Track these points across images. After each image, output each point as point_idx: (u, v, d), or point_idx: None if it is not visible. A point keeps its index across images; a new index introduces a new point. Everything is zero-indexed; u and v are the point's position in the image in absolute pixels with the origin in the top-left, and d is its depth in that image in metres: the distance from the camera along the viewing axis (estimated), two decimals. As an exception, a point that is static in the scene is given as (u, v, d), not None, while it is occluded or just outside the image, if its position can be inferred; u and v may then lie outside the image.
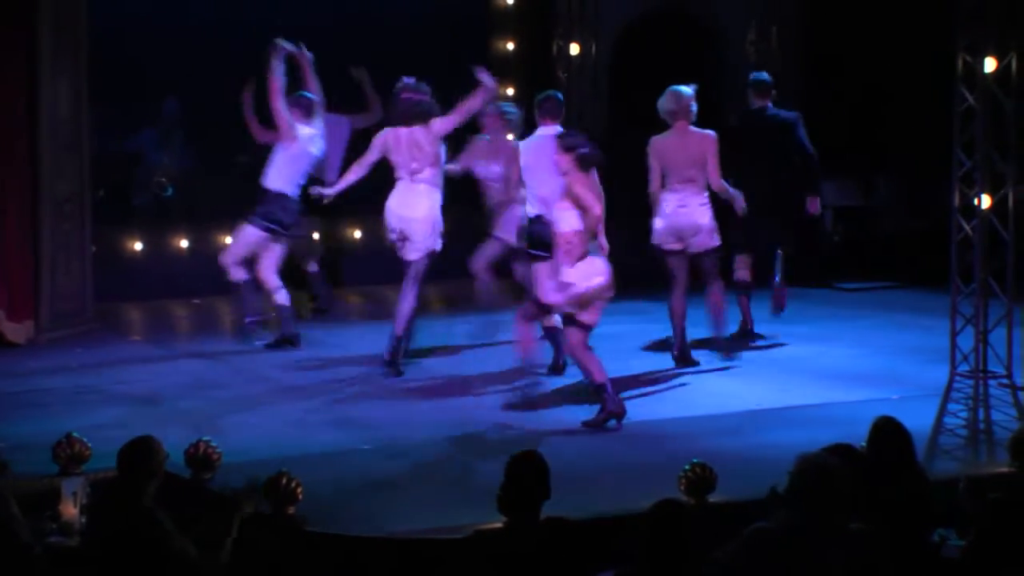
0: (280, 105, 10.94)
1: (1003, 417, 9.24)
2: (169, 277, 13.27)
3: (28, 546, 6.26)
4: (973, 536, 6.21)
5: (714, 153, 10.52)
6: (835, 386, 10.13)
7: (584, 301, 9.08)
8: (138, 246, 13.49)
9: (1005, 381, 9.80)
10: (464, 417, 9.35)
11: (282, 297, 11.31)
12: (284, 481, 6.93)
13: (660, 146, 10.65)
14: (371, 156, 10.47)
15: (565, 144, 9.24)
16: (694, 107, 10.63)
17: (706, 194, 10.65)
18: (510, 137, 11.28)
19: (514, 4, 14.48)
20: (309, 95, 11.22)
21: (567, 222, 9.07)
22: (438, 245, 10.49)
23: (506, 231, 11.16)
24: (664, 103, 10.63)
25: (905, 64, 15.28)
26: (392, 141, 10.41)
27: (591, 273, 9.06)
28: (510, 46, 14.44)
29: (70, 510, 6.89)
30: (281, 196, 11.12)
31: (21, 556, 6.20)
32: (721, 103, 14.57)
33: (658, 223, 10.70)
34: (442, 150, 10.54)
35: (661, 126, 10.74)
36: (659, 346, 11.34)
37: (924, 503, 6.41)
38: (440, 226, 10.47)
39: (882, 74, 15.46)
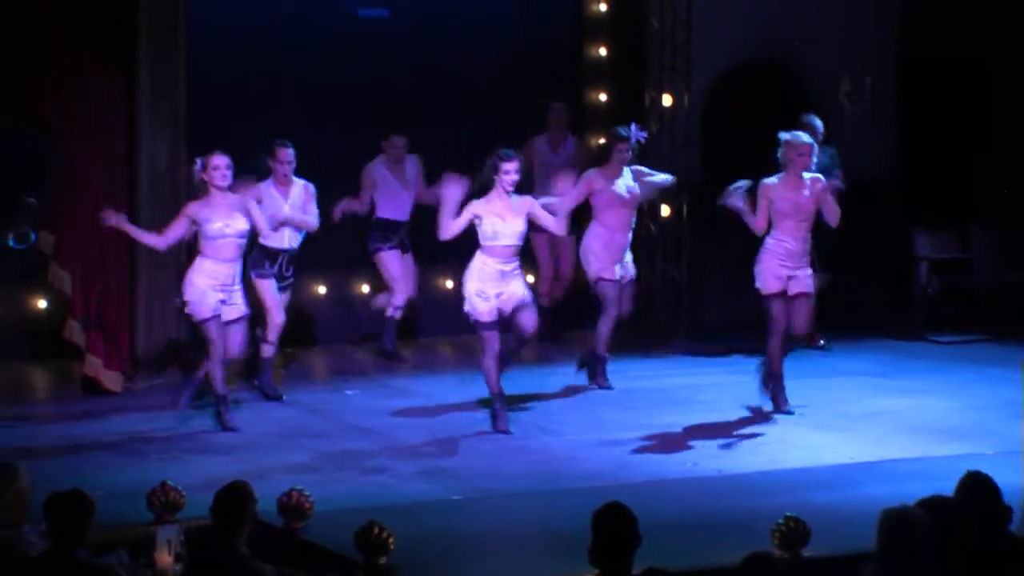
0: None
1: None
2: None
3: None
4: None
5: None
6: (930, 440, 10.02)
7: None
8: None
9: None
10: (553, 468, 9.34)
11: None
12: (376, 531, 6.95)
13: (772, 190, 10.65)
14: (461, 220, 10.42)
15: None
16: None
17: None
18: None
19: (607, 55, 14.54)
20: None
21: None
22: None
23: None
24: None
25: (1001, 113, 15.16)
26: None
27: None
28: (603, 97, 14.47)
29: (165, 558, 6.94)
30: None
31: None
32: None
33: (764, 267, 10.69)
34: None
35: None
36: (748, 395, 11.29)
37: (1015, 559, 6.31)
38: None
39: (978, 124, 15.33)
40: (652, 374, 12.14)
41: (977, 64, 15.26)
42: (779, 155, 10.63)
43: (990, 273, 14.63)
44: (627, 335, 12.30)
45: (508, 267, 10.23)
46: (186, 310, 10.41)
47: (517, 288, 10.28)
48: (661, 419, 10.68)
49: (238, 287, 10.45)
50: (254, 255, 11.11)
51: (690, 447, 9.85)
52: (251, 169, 10.86)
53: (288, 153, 11.11)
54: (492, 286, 10.17)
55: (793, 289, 10.61)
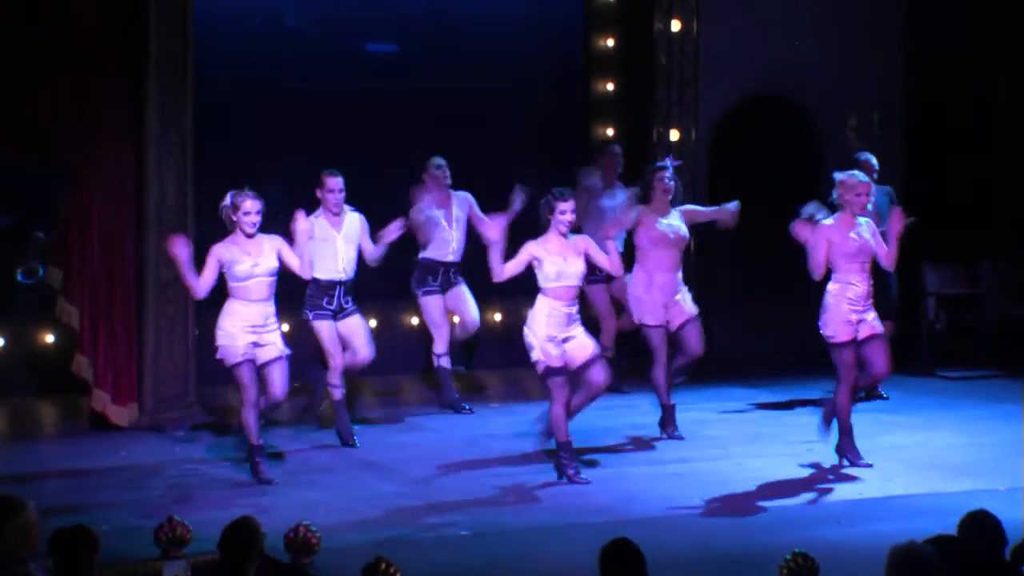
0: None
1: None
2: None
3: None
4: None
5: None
6: (938, 476, 9.99)
7: None
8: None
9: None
10: (559, 503, 9.33)
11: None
12: (383, 566, 6.92)
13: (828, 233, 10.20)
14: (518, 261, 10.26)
15: None
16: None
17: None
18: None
19: (614, 91, 14.58)
20: None
21: None
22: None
23: None
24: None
25: (1009, 148, 15.18)
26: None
27: None
28: (610, 132, 14.51)
29: (171, 593, 6.94)
30: None
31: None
32: (820, 189, 14.54)
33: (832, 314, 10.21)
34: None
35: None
36: (763, 435, 11.28)
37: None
38: None
39: (986, 158, 15.35)
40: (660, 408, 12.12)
41: (985, 98, 15.29)
42: (834, 196, 10.23)
43: (999, 308, 14.62)
44: (635, 369, 12.28)
45: (573, 309, 9.92)
46: (217, 355, 10.03)
47: (584, 338, 9.96)
48: (669, 454, 10.67)
49: (274, 326, 10.04)
50: (308, 292, 10.87)
51: (697, 482, 9.82)
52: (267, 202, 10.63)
53: (337, 181, 10.80)
54: (560, 330, 9.85)
55: (863, 333, 10.16)
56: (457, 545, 8.39)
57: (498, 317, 13.67)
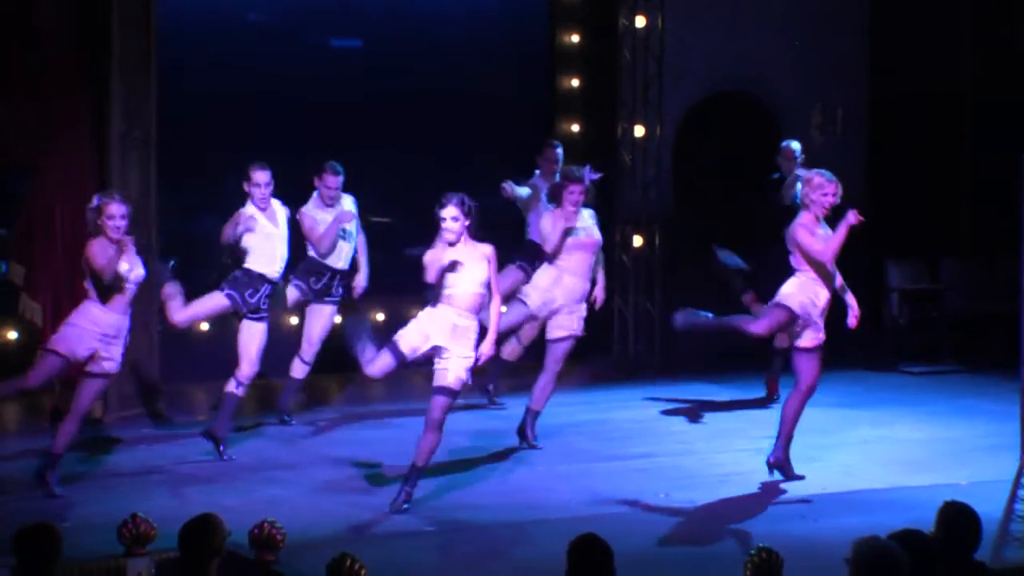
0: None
1: (1074, 503, 9.12)
2: (235, 357, 13.27)
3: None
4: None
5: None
6: (901, 470, 10.04)
7: None
8: (204, 326, 13.55)
9: (1076, 467, 9.68)
10: (526, 499, 9.33)
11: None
12: (348, 563, 6.90)
13: None
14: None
15: None
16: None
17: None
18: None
19: (579, 87, 14.59)
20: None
21: None
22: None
23: None
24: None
25: (972, 145, 15.26)
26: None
27: None
28: (575, 128, 14.52)
29: (135, 590, 6.91)
30: None
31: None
32: (784, 185, 14.59)
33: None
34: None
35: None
36: (726, 430, 11.31)
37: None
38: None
39: (949, 154, 15.43)
40: (625, 405, 12.15)
41: (949, 96, 15.36)
42: (797, 194, 10.00)
43: (961, 303, 14.71)
44: (601, 365, 12.31)
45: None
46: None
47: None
48: (634, 449, 10.69)
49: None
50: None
51: (663, 478, 9.84)
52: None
53: (262, 175, 10.63)
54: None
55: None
56: (423, 542, 8.39)
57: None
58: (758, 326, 9.63)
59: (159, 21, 11.77)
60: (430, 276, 9.00)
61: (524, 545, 8.35)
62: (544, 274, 10.71)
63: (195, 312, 10.68)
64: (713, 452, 10.62)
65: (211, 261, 13.36)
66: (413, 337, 9.04)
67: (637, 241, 13.79)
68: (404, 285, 11.65)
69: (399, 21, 13.86)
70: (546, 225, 10.60)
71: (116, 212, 9.42)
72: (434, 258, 8.97)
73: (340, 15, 13.82)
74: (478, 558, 8.09)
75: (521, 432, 10.73)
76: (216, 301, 10.64)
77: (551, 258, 10.56)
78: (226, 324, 13.56)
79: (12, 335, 12.31)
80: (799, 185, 10.15)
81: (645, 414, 11.69)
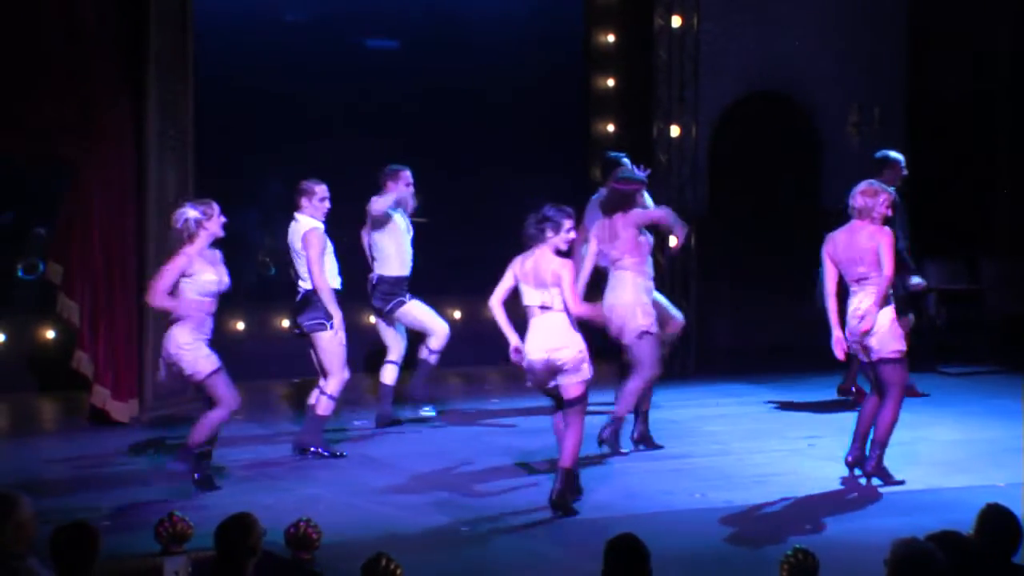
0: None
1: (1113, 505, 9.05)
2: (271, 357, 13.33)
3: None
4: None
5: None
6: (938, 472, 9.98)
7: None
8: (240, 325, 13.59)
9: (1114, 468, 9.60)
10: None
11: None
12: (383, 563, 6.91)
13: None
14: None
15: None
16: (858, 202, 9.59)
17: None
18: None
19: (615, 87, 14.58)
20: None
21: None
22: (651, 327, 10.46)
23: None
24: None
25: (1009, 145, 15.18)
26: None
27: None
28: (610, 128, 14.51)
29: (172, 589, 6.94)
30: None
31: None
32: (821, 185, 14.54)
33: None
34: (645, 238, 10.52)
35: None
36: (762, 431, 11.28)
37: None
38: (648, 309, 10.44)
39: (987, 154, 15.35)
40: (661, 404, 12.11)
41: (986, 94, 15.29)
42: (854, 204, 9.49)
43: (999, 304, 14.63)
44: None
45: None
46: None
47: None
48: (669, 450, 10.67)
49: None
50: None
51: (698, 478, 9.82)
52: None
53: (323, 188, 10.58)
54: None
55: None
56: (459, 542, 8.39)
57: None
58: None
59: (197, 20, 11.80)
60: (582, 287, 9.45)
61: (558, 545, 8.35)
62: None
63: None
64: (749, 453, 10.59)
65: (249, 262, 13.49)
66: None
67: (672, 241, 13.75)
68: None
69: (435, 22, 13.88)
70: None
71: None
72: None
73: (376, 16, 13.85)
74: (512, 558, 8.08)
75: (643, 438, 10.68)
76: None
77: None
78: (260, 324, 13.63)
79: (50, 335, 12.38)
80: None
81: (680, 414, 11.65)
